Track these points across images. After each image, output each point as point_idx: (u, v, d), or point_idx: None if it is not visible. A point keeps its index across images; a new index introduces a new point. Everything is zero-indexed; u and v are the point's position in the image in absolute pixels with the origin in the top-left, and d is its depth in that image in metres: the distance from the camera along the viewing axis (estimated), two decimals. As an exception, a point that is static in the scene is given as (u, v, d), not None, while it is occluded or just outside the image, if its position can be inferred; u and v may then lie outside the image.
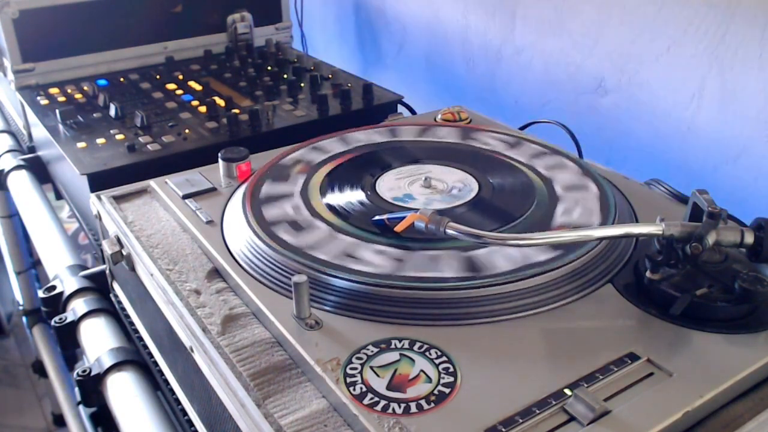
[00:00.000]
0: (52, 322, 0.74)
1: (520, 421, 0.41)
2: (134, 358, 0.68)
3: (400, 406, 0.42)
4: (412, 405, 0.42)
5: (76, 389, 0.68)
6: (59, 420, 1.69)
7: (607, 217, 0.60)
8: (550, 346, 0.47)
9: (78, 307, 0.75)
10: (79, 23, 1.08)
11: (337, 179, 0.68)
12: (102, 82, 1.08)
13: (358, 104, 0.98)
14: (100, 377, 0.66)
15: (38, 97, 1.02)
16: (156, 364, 0.68)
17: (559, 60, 1.01)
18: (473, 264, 0.53)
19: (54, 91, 1.05)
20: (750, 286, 0.48)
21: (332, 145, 0.76)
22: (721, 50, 0.79)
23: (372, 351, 0.46)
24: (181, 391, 0.63)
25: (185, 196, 0.67)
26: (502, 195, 0.65)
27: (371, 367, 0.45)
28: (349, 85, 1.03)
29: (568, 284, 0.52)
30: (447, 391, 0.43)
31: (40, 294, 0.79)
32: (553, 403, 0.42)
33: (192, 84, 1.07)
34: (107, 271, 0.77)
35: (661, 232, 0.50)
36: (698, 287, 0.49)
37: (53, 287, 0.79)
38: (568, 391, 0.43)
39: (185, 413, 0.62)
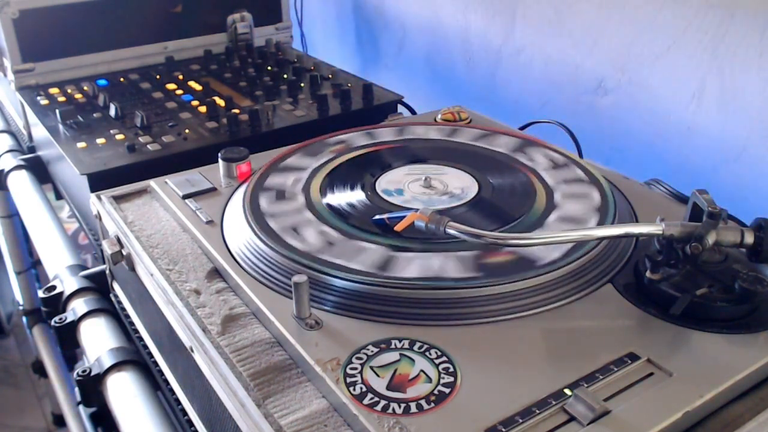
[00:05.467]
0: (52, 322, 0.74)
1: (520, 421, 0.41)
2: (134, 358, 0.68)
3: (400, 406, 0.42)
4: (412, 405, 0.42)
5: (76, 389, 0.68)
6: (59, 420, 1.69)
7: (607, 217, 0.60)
8: (550, 346, 0.47)
9: (78, 307, 0.75)
10: (79, 23, 1.08)
11: (337, 179, 0.68)
12: (102, 82, 1.08)
13: (358, 104, 0.98)
14: (100, 377, 0.66)
15: (38, 97, 1.02)
16: (156, 364, 0.68)
17: (559, 60, 1.01)
18: (473, 264, 0.53)
19: (54, 91, 1.05)
20: (750, 286, 0.48)
21: (333, 145, 0.76)
22: (721, 50, 0.79)
23: (372, 351, 0.46)
24: (181, 391, 0.63)
25: (185, 196, 0.67)
26: (502, 195, 0.65)
27: (371, 367, 0.45)
28: (349, 85, 1.03)
29: (568, 284, 0.52)
30: (447, 391, 0.43)
31: (40, 294, 0.79)
32: (553, 403, 0.42)
33: (192, 84, 1.07)
34: (107, 271, 0.77)
35: (661, 232, 0.50)
36: (698, 287, 0.49)
37: (53, 287, 0.79)
38: (568, 391, 0.43)
39: (185, 413, 0.62)
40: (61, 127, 0.92)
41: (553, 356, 0.46)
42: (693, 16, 0.81)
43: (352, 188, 0.66)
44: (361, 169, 0.70)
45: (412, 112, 1.02)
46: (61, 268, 0.83)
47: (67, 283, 0.79)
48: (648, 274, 0.51)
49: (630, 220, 0.62)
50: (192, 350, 0.53)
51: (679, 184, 0.67)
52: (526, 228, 0.59)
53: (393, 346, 0.47)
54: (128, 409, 0.63)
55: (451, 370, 0.44)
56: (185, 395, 0.62)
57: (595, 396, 0.41)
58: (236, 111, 0.94)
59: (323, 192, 0.66)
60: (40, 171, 1.10)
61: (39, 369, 1.62)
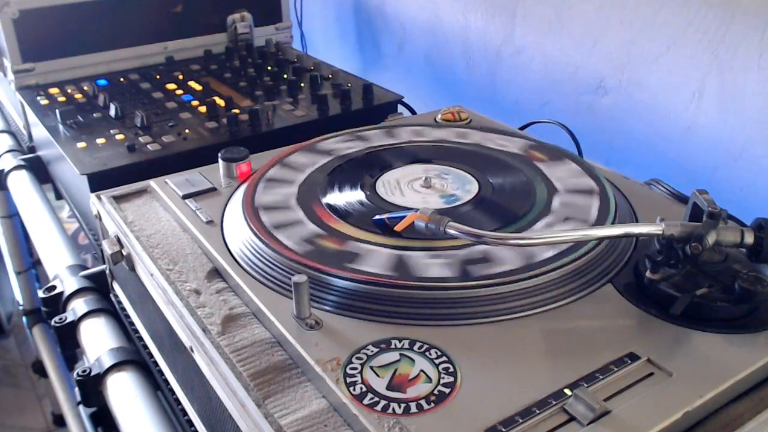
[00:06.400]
0: (52, 322, 0.74)
1: (520, 421, 0.41)
2: (134, 358, 0.68)
3: (400, 406, 0.42)
4: (412, 405, 0.42)
5: (76, 389, 0.68)
6: (59, 420, 1.69)
7: (607, 217, 0.60)
8: (550, 346, 0.47)
9: (78, 307, 0.75)
10: (79, 23, 1.08)
11: (337, 179, 0.68)
12: (102, 82, 1.08)
13: (358, 104, 0.98)
14: (100, 377, 0.66)
15: (38, 97, 1.02)
16: (156, 364, 0.68)
17: (559, 60, 1.01)
18: (473, 264, 0.53)
19: (54, 91, 1.05)
20: (750, 286, 0.48)
21: (333, 145, 0.76)
22: (721, 50, 0.79)
23: (372, 351, 0.46)
24: (181, 391, 0.63)
25: (185, 196, 0.67)
26: (502, 195, 0.65)
27: (371, 367, 0.45)
28: (349, 85, 1.03)
29: (568, 284, 0.52)
30: (447, 391, 0.43)
31: (40, 294, 0.79)
32: (553, 403, 0.42)
33: (192, 84, 1.07)
34: (107, 271, 0.77)
35: (661, 232, 0.50)
36: (698, 287, 0.49)
37: (53, 287, 0.79)
38: (568, 391, 0.43)
39: (185, 413, 0.62)
40: (61, 127, 0.92)
41: (553, 356, 0.46)
42: (693, 16, 0.81)
43: (352, 188, 0.66)
44: (361, 169, 0.70)
45: (412, 112, 1.02)
46: (61, 268, 0.83)
47: (67, 283, 0.79)
48: (648, 274, 0.51)
49: (630, 220, 0.62)
50: (192, 350, 0.53)
51: (679, 184, 0.67)
52: (526, 228, 0.59)
53: (393, 346, 0.47)
54: (128, 409, 0.63)
55: (451, 370, 0.44)
56: (185, 395, 0.62)
57: (595, 396, 0.41)
58: (236, 111, 0.94)
59: (323, 192, 0.66)
60: (40, 171, 1.10)
61: (39, 369, 1.62)
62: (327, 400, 0.44)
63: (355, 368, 0.45)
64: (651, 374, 0.44)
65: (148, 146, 0.85)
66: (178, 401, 0.64)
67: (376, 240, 0.57)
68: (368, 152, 0.74)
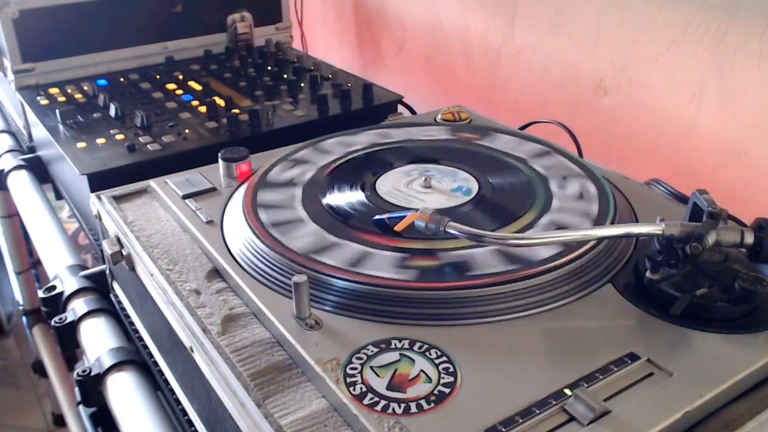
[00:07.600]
0: (52, 322, 0.74)
1: (520, 421, 0.41)
2: (134, 358, 0.68)
3: (400, 406, 0.42)
4: (412, 405, 0.42)
5: (76, 389, 0.68)
6: (59, 420, 1.69)
7: (606, 217, 0.60)
8: (550, 346, 0.47)
9: (78, 307, 0.75)
10: (79, 23, 1.08)
11: (337, 179, 0.68)
12: (102, 82, 1.08)
13: (358, 104, 0.98)
14: (100, 377, 0.66)
15: (38, 97, 1.02)
16: (156, 364, 0.68)
17: (559, 60, 1.01)
18: (473, 264, 0.53)
19: (54, 91, 1.05)
20: (750, 286, 0.48)
21: (332, 145, 0.76)
22: (721, 50, 0.79)
23: (372, 351, 0.46)
24: (181, 391, 0.63)
25: (185, 196, 0.67)
26: (502, 195, 0.65)
27: (371, 367, 0.45)
28: (349, 85, 1.03)
29: (568, 284, 0.52)
30: (447, 391, 0.43)
31: (40, 294, 0.79)
32: (553, 403, 0.42)
33: (192, 84, 1.07)
34: (107, 271, 0.77)
35: (661, 232, 0.50)
36: (698, 287, 0.49)
37: (53, 287, 0.79)
38: (568, 391, 0.43)
39: (185, 413, 0.62)
40: (61, 127, 0.92)
41: (553, 356, 0.46)
42: (693, 16, 0.81)
43: (352, 188, 0.66)
44: (361, 169, 0.70)
45: (412, 112, 1.02)
46: (61, 268, 0.83)
47: (67, 283, 0.79)
48: (648, 274, 0.51)
49: (630, 220, 0.62)
50: (192, 350, 0.53)
51: (679, 184, 0.67)
52: (526, 228, 0.59)
53: (393, 346, 0.47)
54: (128, 409, 0.63)
55: (451, 370, 0.44)
56: (185, 395, 0.62)
57: (595, 396, 0.41)
58: (236, 111, 0.94)
59: (323, 192, 0.66)
60: (40, 171, 1.10)
61: (39, 369, 1.62)
62: (327, 400, 0.44)
63: (355, 368, 0.45)
64: (651, 374, 0.44)
65: (148, 146, 0.85)
66: (178, 401, 0.64)
67: (376, 240, 0.57)
68: (368, 152, 0.74)
